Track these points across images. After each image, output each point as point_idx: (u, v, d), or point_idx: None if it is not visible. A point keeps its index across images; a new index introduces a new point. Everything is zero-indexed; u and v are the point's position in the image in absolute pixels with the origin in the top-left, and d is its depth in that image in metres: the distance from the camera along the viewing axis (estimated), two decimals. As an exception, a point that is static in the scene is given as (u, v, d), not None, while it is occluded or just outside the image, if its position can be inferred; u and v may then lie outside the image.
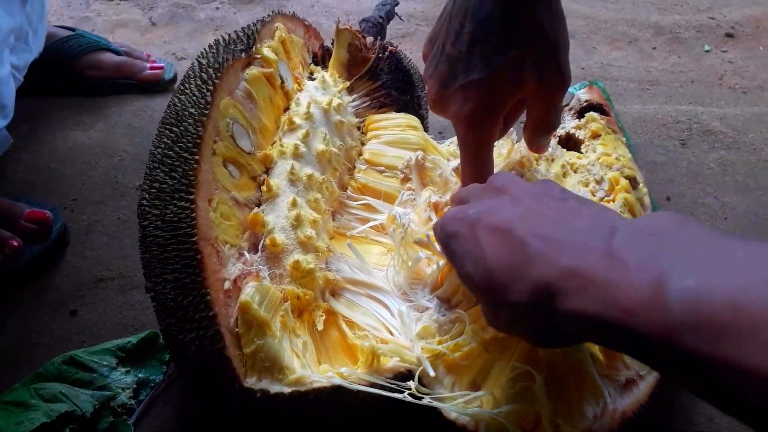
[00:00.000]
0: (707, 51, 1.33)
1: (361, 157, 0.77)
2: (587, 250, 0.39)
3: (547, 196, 0.47)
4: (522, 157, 0.74)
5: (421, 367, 0.55)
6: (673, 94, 1.20)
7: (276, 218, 0.62)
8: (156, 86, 1.18)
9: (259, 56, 0.70)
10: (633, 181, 0.72)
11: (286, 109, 0.73)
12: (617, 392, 0.56)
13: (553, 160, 0.78)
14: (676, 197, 0.95)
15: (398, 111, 0.82)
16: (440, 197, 0.69)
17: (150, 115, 1.12)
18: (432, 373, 0.55)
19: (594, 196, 0.72)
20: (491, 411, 0.52)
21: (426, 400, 0.52)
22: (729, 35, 1.37)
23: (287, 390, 0.52)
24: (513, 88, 0.57)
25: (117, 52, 1.17)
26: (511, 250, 0.43)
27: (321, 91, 0.76)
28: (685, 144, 1.05)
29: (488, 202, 0.49)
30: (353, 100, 0.80)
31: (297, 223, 0.62)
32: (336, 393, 0.53)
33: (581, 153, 0.79)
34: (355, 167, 0.76)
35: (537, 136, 0.64)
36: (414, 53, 1.28)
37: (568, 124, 0.83)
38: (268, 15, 0.77)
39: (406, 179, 0.73)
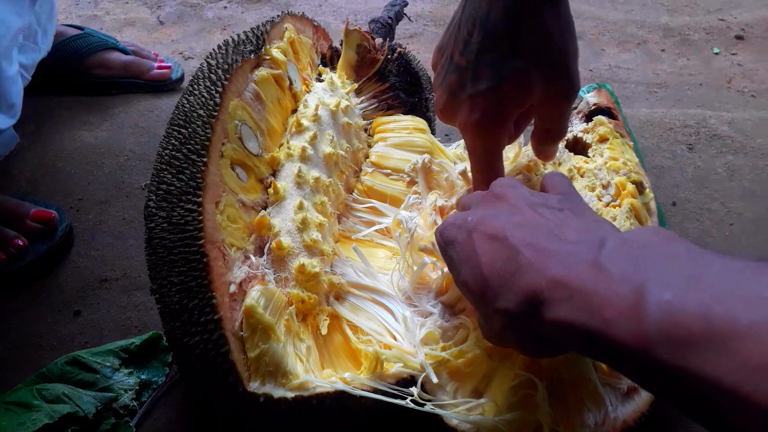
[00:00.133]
0: (717, 53, 1.32)
1: (367, 159, 0.77)
2: (575, 260, 0.40)
3: (543, 206, 0.47)
4: (529, 161, 0.74)
5: (424, 374, 0.55)
6: (681, 97, 1.19)
7: (282, 221, 0.62)
8: (163, 86, 1.18)
9: (268, 57, 0.70)
10: (639, 186, 0.72)
11: (294, 110, 0.73)
12: (618, 400, 0.56)
13: (560, 164, 0.77)
14: (683, 202, 0.94)
15: (406, 113, 0.82)
16: (446, 201, 0.69)
17: (157, 114, 1.12)
18: (435, 380, 0.54)
19: (600, 200, 0.72)
20: (493, 419, 0.52)
21: (428, 407, 0.52)
22: (739, 37, 1.36)
23: (290, 395, 0.52)
24: (521, 97, 0.57)
25: (125, 52, 1.18)
26: (504, 259, 0.44)
27: (329, 93, 0.76)
28: (692, 148, 1.04)
29: (486, 209, 0.50)
30: (361, 102, 0.80)
31: (303, 226, 0.62)
32: (339, 398, 0.53)
33: (588, 157, 0.78)
34: (361, 170, 0.76)
35: (544, 145, 0.64)
36: (422, 54, 1.27)
37: (576, 127, 0.83)
38: (277, 15, 0.76)
39: (412, 182, 0.73)
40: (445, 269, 0.61)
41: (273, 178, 0.65)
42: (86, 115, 1.12)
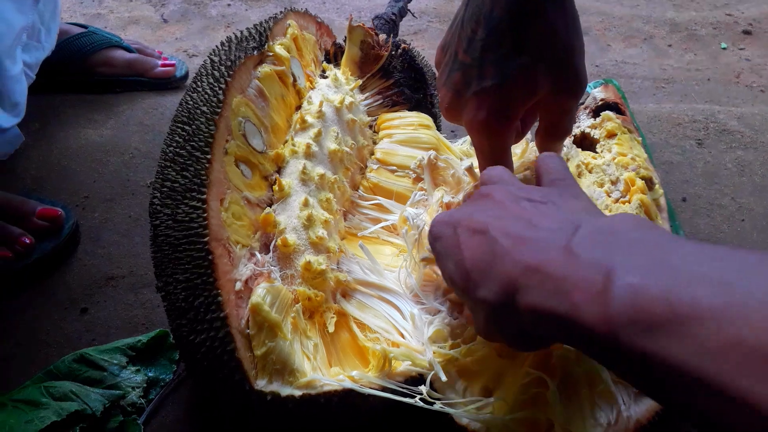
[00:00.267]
0: (724, 48, 1.31)
1: (373, 156, 0.76)
2: (548, 247, 0.41)
3: (526, 200, 0.48)
4: (537, 157, 0.73)
5: (432, 372, 0.54)
6: (689, 92, 1.18)
7: (288, 218, 0.61)
8: (167, 83, 1.18)
9: (271, 54, 0.69)
10: (649, 182, 0.71)
11: (298, 107, 0.73)
12: (631, 399, 0.55)
13: (568, 160, 0.77)
14: (692, 198, 0.93)
15: (411, 109, 0.81)
16: (453, 197, 0.68)
17: (161, 112, 1.12)
18: (444, 378, 0.54)
19: (610, 196, 0.71)
20: (503, 417, 0.51)
21: (437, 406, 0.52)
22: (746, 32, 1.35)
23: (298, 393, 0.52)
24: (526, 94, 0.57)
25: (129, 50, 1.17)
26: (484, 250, 0.44)
27: (333, 90, 0.75)
28: (701, 144, 1.03)
29: (472, 206, 0.51)
30: (365, 99, 0.80)
31: (309, 223, 0.61)
32: (347, 396, 0.53)
33: (596, 153, 0.77)
34: (366, 166, 0.75)
35: (549, 142, 0.63)
36: (426, 50, 1.27)
37: (584, 123, 0.82)
38: (281, 12, 0.76)
39: (418, 179, 0.73)
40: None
41: (278, 175, 0.65)
42: (91, 113, 1.12)
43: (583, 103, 0.85)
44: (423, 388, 0.52)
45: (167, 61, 1.19)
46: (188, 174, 0.56)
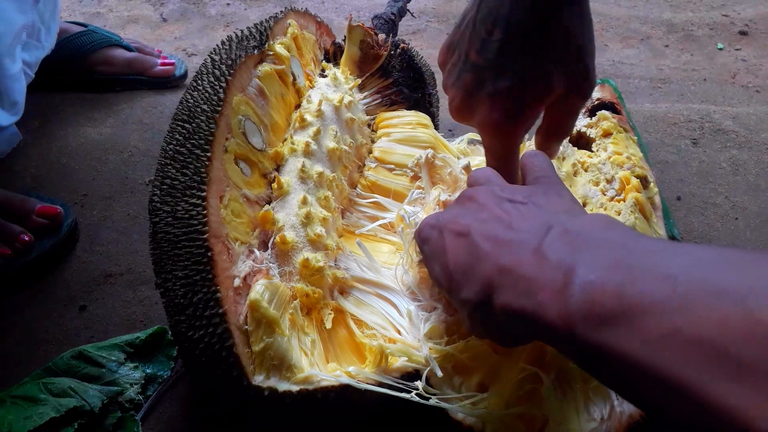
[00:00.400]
0: (720, 49, 1.31)
1: (371, 154, 0.77)
2: (521, 248, 0.42)
3: (509, 201, 0.49)
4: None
5: (428, 368, 0.55)
6: (685, 92, 1.19)
7: (286, 216, 0.62)
8: (167, 82, 1.18)
9: (271, 53, 0.70)
10: (644, 181, 0.72)
11: (298, 106, 0.73)
12: (625, 394, 0.55)
13: (564, 159, 0.77)
14: (687, 197, 0.94)
15: (409, 108, 0.82)
16: (450, 196, 0.69)
17: (160, 111, 1.12)
18: (440, 374, 0.54)
19: (605, 195, 0.72)
20: (498, 412, 0.52)
21: (433, 401, 0.52)
22: (743, 33, 1.35)
23: (295, 388, 0.52)
24: (542, 95, 0.57)
25: (128, 48, 1.18)
26: (466, 253, 0.46)
27: (332, 89, 0.76)
28: (696, 143, 1.04)
29: (457, 208, 0.52)
30: (364, 98, 0.80)
31: (307, 220, 0.62)
32: (343, 392, 0.53)
33: (592, 151, 0.78)
34: (365, 165, 0.76)
35: (549, 142, 0.64)
36: (425, 50, 1.27)
37: (580, 122, 0.83)
38: (281, 11, 0.77)
39: (415, 177, 0.73)
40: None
41: (277, 173, 0.65)
42: (90, 111, 1.12)
43: (580, 103, 0.86)
44: (419, 384, 0.53)
45: (166, 60, 1.19)
46: (188, 171, 0.57)
